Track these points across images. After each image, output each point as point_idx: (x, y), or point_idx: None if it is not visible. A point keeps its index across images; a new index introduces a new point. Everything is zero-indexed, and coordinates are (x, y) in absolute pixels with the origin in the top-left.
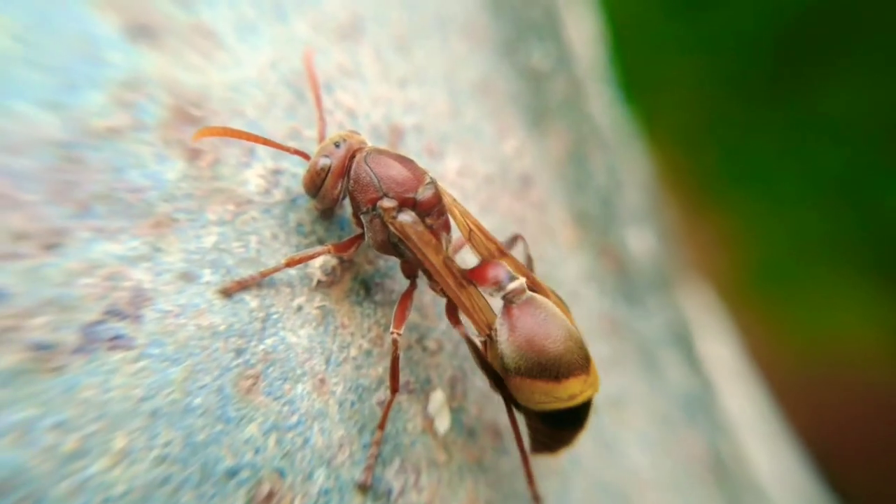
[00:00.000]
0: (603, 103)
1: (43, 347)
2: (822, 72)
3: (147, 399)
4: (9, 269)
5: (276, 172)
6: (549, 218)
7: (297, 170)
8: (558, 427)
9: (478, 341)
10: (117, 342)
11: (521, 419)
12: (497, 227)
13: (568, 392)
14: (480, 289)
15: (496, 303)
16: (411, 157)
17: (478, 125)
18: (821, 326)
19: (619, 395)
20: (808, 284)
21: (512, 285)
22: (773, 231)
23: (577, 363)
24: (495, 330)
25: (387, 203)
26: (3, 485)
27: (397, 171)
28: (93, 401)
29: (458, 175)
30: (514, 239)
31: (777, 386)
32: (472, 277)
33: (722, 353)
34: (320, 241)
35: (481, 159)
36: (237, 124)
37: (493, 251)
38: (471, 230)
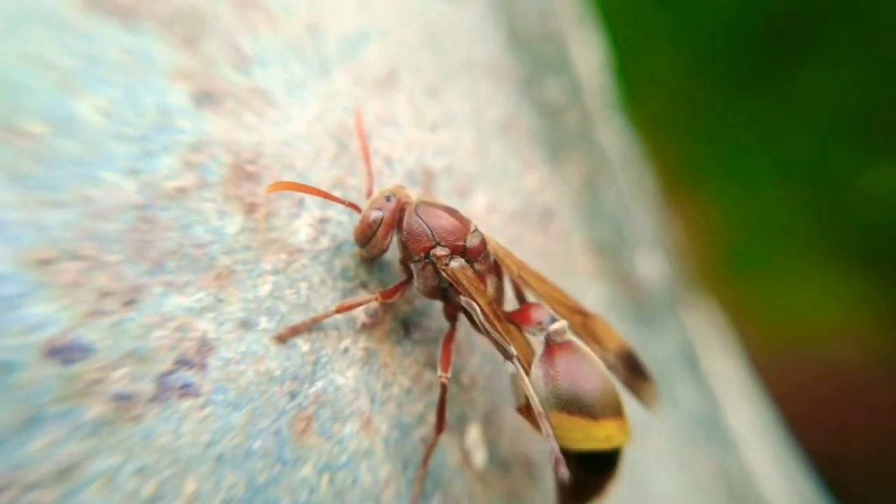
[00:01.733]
0: (611, 130)
1: (124, 398)
2: (795, 60)
3: (213, 444)
4: (96, 325)
5: (323, 221)
6: (570, 249)
7: (341, 218)
8: (593, 471)
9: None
10: (186, 390)
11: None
12: (525, 260)
13: (605, 432)
14: (524, 329)
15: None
16: (443, 199)
17: (503, 162)
18: (792, 308)
19: (640, 421)
20: (780, 268)
21: (554, 326)
22: (747, 217)
23: (612, 407)
24: (537, 367)
25: (440, 251)
26: None
27: (447, 221)
28: (167, 447)
29: (485, 212)
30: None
31: (752, 366)
32: (515, 319)
33: (724, 367)
34: (363, 284)
35: (506, 195)
36: (288, 177)
37: (545, 288)
38: (518, 269)
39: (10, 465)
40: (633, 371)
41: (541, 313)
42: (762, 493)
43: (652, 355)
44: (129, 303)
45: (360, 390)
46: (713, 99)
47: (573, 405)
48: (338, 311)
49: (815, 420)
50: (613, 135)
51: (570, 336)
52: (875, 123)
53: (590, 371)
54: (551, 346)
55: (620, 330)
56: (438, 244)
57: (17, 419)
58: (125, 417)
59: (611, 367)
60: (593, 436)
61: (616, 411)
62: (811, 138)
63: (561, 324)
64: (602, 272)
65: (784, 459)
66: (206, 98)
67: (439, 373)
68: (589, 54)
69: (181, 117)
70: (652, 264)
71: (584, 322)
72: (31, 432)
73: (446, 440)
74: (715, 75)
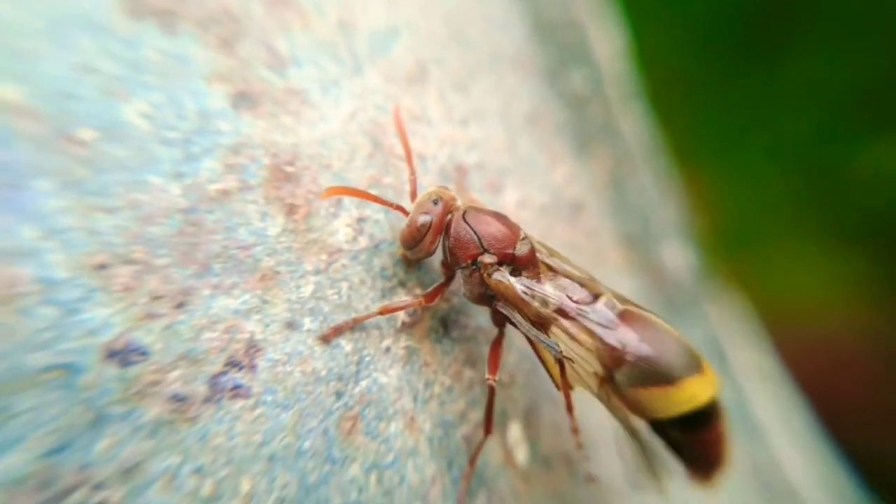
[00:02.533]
0: (633, 120)
1: (180, 399)
2: (786, 41)
3: (265, 444)
4: (149, 327)
5: (361, 220)
6: (600, 242)
7: (378, 217)
8: (697, 432)
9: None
10: (238, 391)
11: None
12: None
13: (687, 394)
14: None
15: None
16: (476, 194)
17: (531, 156)
18: (785, 287)
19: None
20: (773, 248)
21: (598, 306)
22: (740, 198)
23: (687, 364)
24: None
25: (487, 259)
26: None
27: (496, 229)
28: (222, 447)
29: (516, 207)
30: None
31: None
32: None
33: (750, 358)
34: (401, 283)
35: (536, 190)
36: (325, 177)
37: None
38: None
39: (80, 465)
40: None
41: (581, 294)
42: (790, 479)
43: None
44: (180, 305)
45: (402, 389)
46: (707, 81)
47: (646, 378)
48: (381, 312)
49: (807, 395)
50: (634, 125)
51: (620, 307)
52: (868, 103)
53: (653, 335)
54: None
55: None
56: (486, 251)
57: (84, 420)
58: (182, 418)
59: None
60: (677, 400)
61: (692, 367)
62: (805, 119)
63: (606, 298)
64: (631, 265)
65: (810, 446)
66: (243, 100)
67: (487, 375)
68: (609, 42)
69: (220, 120)
70: (677, 256)
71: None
72: (97, 432)
73: (489, 438)
74: (708, 57)
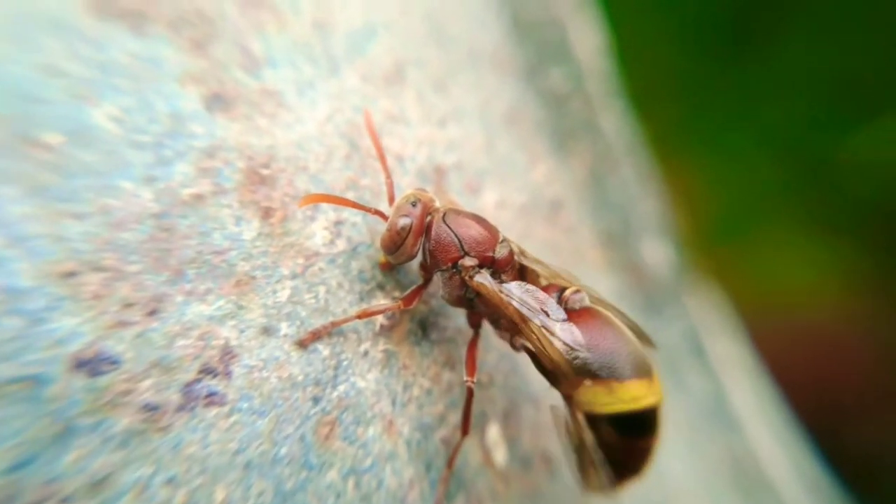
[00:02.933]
0: (614, 117)
1: (152, 408)
2: (774, 30)
3: (240, 452)
4: (120, 336)
5: (338, 223)
6: (579, 241)
7: (356, 220)
8: (629, 435)
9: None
10: (212, 398)
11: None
12: (534, 253)
13: (630, 393)
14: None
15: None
16: (454, 195)
17: (510, 155)
18: (772, 275)
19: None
20: (761, 237)
21: (570, 294)
22: (728, 187)
23: (637, 367)
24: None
25: (468, 262)
26: None
27: (477, 232)
28: (196, 456)
29: (495, 208)
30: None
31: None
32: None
33: (727, 350)
34: (380, 286)
35: (515, 189)
36: (302, 179)
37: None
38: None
39: (46, 479)
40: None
41: (552, 290)
42: (766, 471)
43: (662, 343)
44: (152, 313)
45: (381, 393)
46: (695, 71)
47: (595, 370)
48: (359, 316)
49: (792, 382)
50: (615, 121)
51: (588, 302)
52: (855, 92)
53: (609, 334)
54: (570, 314)
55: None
56: (467, 254)
57: (50, 433)
58: (154, 428)
59: None
60: (619, 397)
61: (641, 371)
62: (793, 108)
63: (578, 291)
64: (610, 263)
65: (785, 437)
66: (217, 102)
67: (465, 377)
68: (589, 39)
69: (194, 122)
70: (657, 252)
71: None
72: (64, 445)
73: (467, 439)
74: (695, 48)
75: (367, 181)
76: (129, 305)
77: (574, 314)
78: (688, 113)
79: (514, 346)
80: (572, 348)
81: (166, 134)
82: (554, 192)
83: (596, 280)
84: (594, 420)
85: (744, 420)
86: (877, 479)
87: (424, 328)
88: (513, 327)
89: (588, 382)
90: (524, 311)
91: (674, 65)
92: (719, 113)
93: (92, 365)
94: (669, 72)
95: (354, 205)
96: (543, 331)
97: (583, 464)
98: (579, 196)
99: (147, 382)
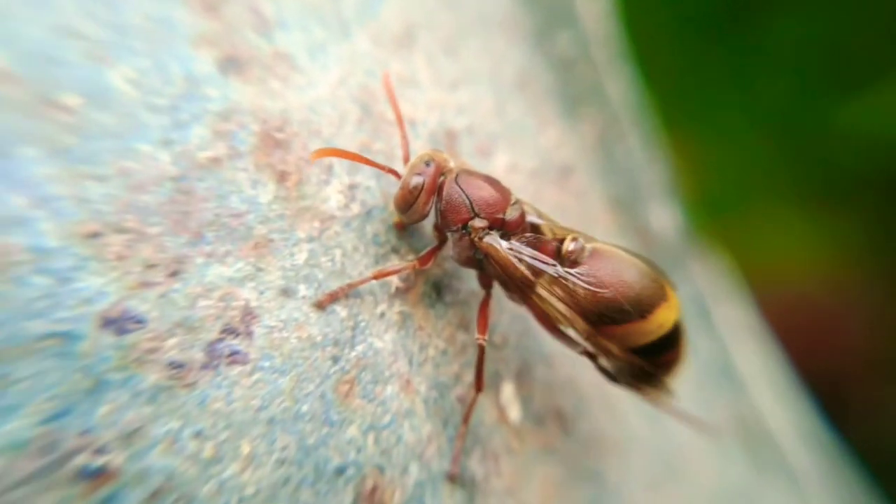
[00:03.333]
0: (620, 82)
1: (177, 366)
2: (764, 3)
3: (264, 408)
4: (144, 296)
5: (353, 187)
6: (589, 205)
7: (370, 183)
8: (660, 354)
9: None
10: (235, 357)
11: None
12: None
13: (656, 323)
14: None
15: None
16: (466, 159)
17: (521, 120)
18: (765, 249)
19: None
20: (753, 211)
21: (567, 246)
22: (721, 162)
23: (656, 295)
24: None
25: (478, 223)
26: (164, 487)
27: (488, 193)
28: (221, 412)
29: (506, 171)
30: None
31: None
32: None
33: (732, 314)
34: (394, 250)
35: (526, 154)
36: (315, 143)
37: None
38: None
39: (81, 430)
40: None
41: (550, 245)
42: (771, 430)
43: None
44: (174, 273)
45: (398, 353)
46: (686, 46)
47: (619, 317)
48: (374, 277)
49: (788, 349)
50: (621, 87)
51: (587, 245)
52: (845, 63)
53: (622, 273)
54: (577, 259)
55: None
56: (477, 216)
57: (83, 387)
58: (181, 384)
59: None
60: (648, 331)
61: (660, 296)
62: (784, 81)
63: (572, 240)
64: (620, 227)
65: (788, 397)
66: (231, 65)
67: (476, 335)
68: (594, 3)
69: (208, 85)
70: (664, 217)
71: None
72: (97, 399)
73: (482, 398)
74: (688, 21)
75: (380, 145)
76: (151, 266)
77: (583, 264)
78: (681, 86)
79: (516, 301)
80: (596, 291)
81: (182, 97)
82: (564, 156)
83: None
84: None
85: (748, 380)
86: (878, 436)
87: (439, 290)
88: (521, 291)
89: (613, 328)
90: (539, 265)
91: (670, 38)
92: (710, 88)
93: (119, 323)
94: (666, 45)
95: (369, 161)
96: (562, 281)
97: (638, 387)
98: (588, 161)
99: (172, 341)
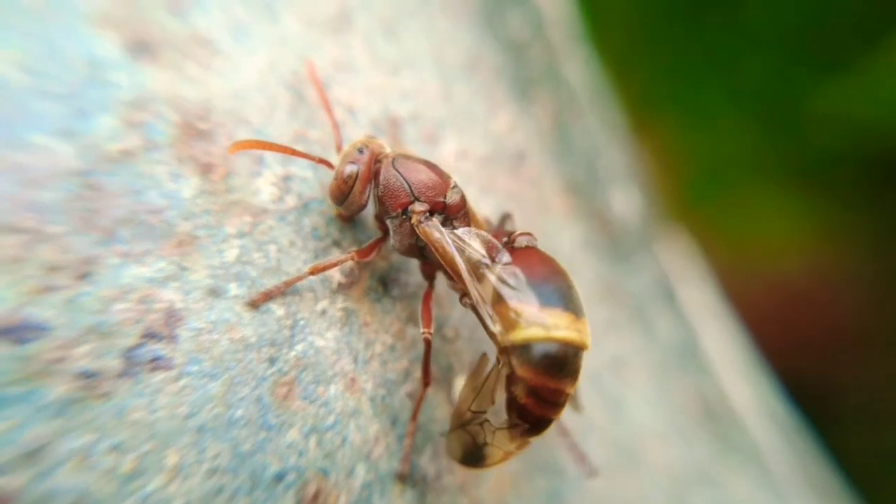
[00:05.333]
0: (577, 64)
1: (89, 375)
2: None
3: (192, 416)
4: (47, 301)
5: (287, 179)
6: (543, 191)
7: (306, 174)
8: (541, 370)
9: (497, 333)
10: (157, 363)
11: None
12: (498, 206)
13: (551, 320)
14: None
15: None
16: (411, 147)
17: (470, 105)
18: (747, 231)
19: (620, 356)
20: (736, 193)
21: (517, 236)
22: (703, 146)
23: (566, 301)
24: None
25: (418, 207)
26: None
27: (427, 176)
28: (142, 422)
29: (456, 159)
30: (506, 216)
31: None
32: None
33: (698, 296)
34: (336, 244)
35: (477, 140)
36: (243, 133)
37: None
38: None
39: None
40: None
41: (502, 235)
42: (737, 410)
43: (629, 290)
44: (83, 276)
45: (341, 351)
46: (666, 30)
47: (521, 293)
48: (311, 272)
49: (766, 332)
50: (579, 68)
51: (535, 243)
52: (823, 43)
53: (546, 266)
54: (513, 251)
55: (597, 268)
56: (417, 199)
57: None
58: (94, 395)
59: None
60: (542, 323)
61: (568, 305)
62: (762, 61)
63: (522, 231)
64: (576, 211)
65: (755, 379)
66: (141, 49)
67: (421, 329)
68: None
69: (115, 71)
70: (625, 200)
71: None
72: None
73: (434, 394)
74: (666, 5)
75: (317, 134)
76: (54, 269)
77: (516, 252)
78: (657, 74)
79: (462, 304)
80: (503, 280)
81: (83, 83)
82: (517, 141)
83: (560, 228)
84: (508, 351)
85: (715, 363)
86: (862, 417)
87: (385, 285)
88: (460, 281)
89: (519, 311)
90: (476, 257)
91: (646, 24)
92: (689, 70)
93: (17, 332)
94: (638, 33)
95: (296, 152)
96: (470, 267)
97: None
98: (543, 145)
99: (82, 349)
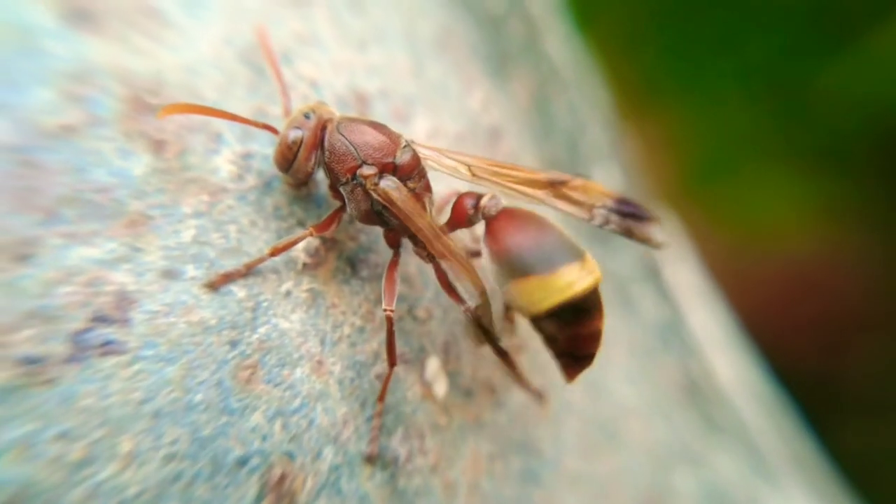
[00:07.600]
0: (558, 39)
1: (32, 361)
2: None
3: (147, 401)
4: None
5: (247, 156)
6: None
7: (267, 151)
8: (573, 324)
9: (471, 303)
10: (109, 347)
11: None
12: (473, 185)
13: (563, 280)
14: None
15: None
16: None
17: (443, 81)
18: (754, 212)
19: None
20: (744, 174)
21: (484, 201)
22: (711, 127)
23: (564, 251)
24: (483, 250)
25: (367, 170)
26: (17, 497)
27: (373, 137)
28: (93, 408)
29: (428, 137)
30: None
31: (717, 272)
32: (454, 222)
33: (684, 275)
34: (300, 223)
35: (450, 117)
36: None
37: (504, 172)
38: (470, 167)
39: None
40: (630, 217)
41: (466, 199)
42: (723, 389)
43: (612, 270)
44: (22, 258)
45: (307, 333)
46: (671, 10)
47: (522, 267)
48: (272, 253)
49: (768, 314)
50: (561, 43)
51: (504, 203)
52: (829, 21)
53: (528, 226)
54: (489, 222)
55: None
56: (364, 163)
57: None
58: (37, 381)
59: (604, 223)
60: (554, 288)
61: (570, 254)
62: (769, 42)
63: (489, 195)
64: None
65: (741, 358)
66: (80, 17)
67: (384, 306)
68: None
69: (51, 40)
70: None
71: (558, 190)
72: None
73: (406, 375)
74: None
75: (278, 110)
76: None
77: (492, 220)
78: (662, 56)
79: (424, 259)
80: (495, 255)
81: (14, 53)
82: (492, 118)
83: (538, 207)
84: (536, 320)
85: (701, 343)
86: (873, 398)
87: (353, 265)
88: (426, 240)
89: (517, 281)
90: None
91: (647, 7)
92: (694, 52)
93: None
94: (643, 14)
95: (235, 117)
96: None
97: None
98: (521, 122)
99: (23, 334)
